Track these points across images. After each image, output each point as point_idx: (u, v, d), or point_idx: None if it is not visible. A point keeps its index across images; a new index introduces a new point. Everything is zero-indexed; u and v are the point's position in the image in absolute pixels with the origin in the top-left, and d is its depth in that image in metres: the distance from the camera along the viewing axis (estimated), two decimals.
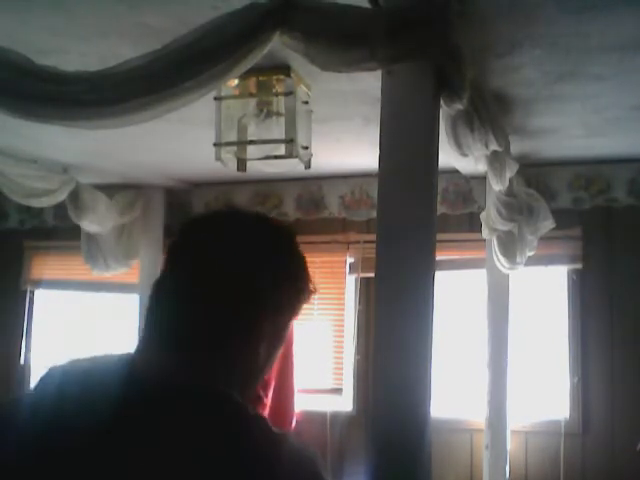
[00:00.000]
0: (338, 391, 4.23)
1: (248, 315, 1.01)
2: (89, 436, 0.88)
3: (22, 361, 4.86)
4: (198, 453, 0.87)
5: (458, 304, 4.08)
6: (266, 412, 4.03)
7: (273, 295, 1.02)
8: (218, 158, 2.50)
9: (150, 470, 0.87)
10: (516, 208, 3.28)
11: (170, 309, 1.01)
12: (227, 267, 1.00)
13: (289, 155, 2.43)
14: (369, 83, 2.41)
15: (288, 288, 1.05)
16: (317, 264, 4.35)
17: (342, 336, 4.27)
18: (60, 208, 4.29)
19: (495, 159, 2.85)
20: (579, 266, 3.89)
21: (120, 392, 0.92)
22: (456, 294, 4.10)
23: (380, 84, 1.79)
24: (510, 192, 3.24)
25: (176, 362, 0.97)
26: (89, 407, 0.90)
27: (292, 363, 4.15)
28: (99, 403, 0.90)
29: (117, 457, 0.88)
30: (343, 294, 4.28)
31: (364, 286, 4.22)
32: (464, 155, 2.56)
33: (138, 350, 1.01)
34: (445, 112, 2.16)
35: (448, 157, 2.58)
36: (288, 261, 1.07)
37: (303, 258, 1.09)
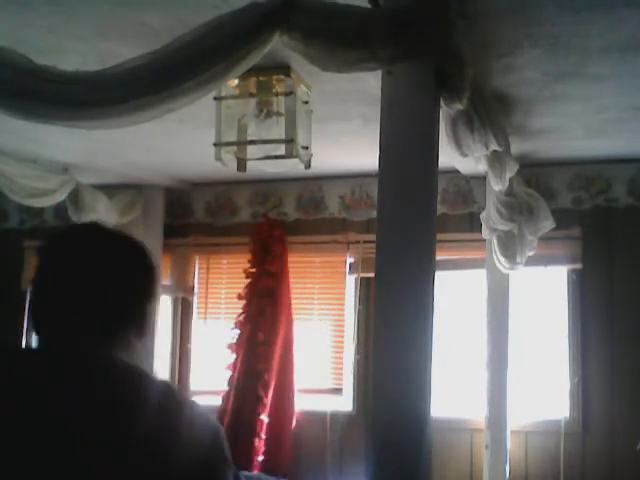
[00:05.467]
0: (338, 391, 4.22)
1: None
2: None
3: None
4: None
5: (458, 304, 4.08)
6: (266, 412, 4.03)
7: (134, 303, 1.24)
8: (218, 158, 2.50)
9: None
10: (516, 208, 3.28)
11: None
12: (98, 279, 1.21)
13: (289, 155, 2.44)
14: (369, 83, 2.41)
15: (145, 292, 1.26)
16: (317, 264, 4.35)
17: (342, 336, 4.27)
18: (60, 208, 4.29)
19: (495, 159, 2.85)
20: (579, 266, 3.88)
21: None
22: (456, 294, 4.09)
23: (380, 84, 1.79)
24: (510, 192, 3.24)
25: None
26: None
27: (292, 363, 4.15)
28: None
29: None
30: (343, 294, 4.28)
31: (364, 286, 4.21)
32: (464, 155, 2.56)
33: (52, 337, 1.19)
34: (445, 112, 2.16)
35: (448, 157, 2.58)
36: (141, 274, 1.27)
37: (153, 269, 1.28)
